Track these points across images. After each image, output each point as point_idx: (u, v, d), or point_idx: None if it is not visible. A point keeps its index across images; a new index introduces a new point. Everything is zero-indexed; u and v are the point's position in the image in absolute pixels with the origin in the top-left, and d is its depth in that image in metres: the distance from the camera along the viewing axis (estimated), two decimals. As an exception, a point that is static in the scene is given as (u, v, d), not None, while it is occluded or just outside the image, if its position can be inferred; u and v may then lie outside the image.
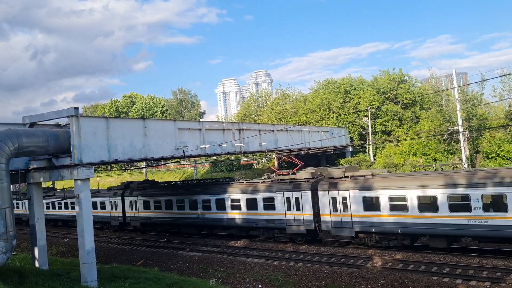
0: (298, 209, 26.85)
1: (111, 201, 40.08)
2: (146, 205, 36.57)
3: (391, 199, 22.87)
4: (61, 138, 20.04)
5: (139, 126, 23.27)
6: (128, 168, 78.03)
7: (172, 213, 34.49)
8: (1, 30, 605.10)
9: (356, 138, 55.24)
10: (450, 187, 20.96)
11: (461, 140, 40.13)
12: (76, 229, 20.47)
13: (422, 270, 19.79)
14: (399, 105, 54.90)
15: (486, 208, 19.99)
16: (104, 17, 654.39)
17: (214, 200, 31.47)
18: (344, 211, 24.60)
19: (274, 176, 29.40)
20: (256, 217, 29.05)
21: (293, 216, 27.07)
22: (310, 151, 42.37)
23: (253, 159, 62.12)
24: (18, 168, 20.79)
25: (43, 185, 27.03)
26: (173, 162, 63.18)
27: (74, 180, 19.89)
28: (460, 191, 20.71)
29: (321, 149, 45.01)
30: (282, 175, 29.06)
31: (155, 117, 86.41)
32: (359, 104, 55.21)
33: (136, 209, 37.57)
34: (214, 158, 63.81)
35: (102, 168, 75.55)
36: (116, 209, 39.66)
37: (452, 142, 44.44)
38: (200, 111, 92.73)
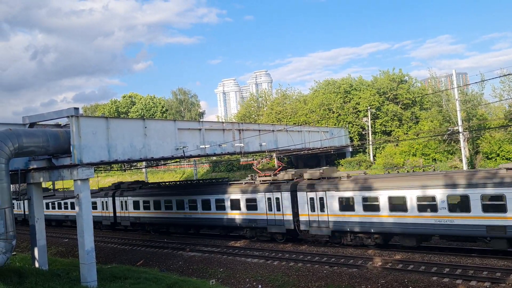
0: (278, 209, 27.32)
1: (102, 202, 40.52)
2: (136, 205, 36.94)
3: (365, 199, 23.58)
4: (61, 138, 20.06)
5: (139, 126, 23.31)
6: (128, 168, 78.07)
7: (161, 213, 34.92)
8: (1, 30, 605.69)
9: (356, 138, 55.28)
10: (418, 188, 21.82)
11: (461, 140, 40.17)
12: (76, 229, 20.46)
13: (422, 270, 19.79)
14: (399, 105, 54.91)
15: (452, 208, 20.86)
16: (104, 17, 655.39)
17: (200, 200, 31.85)
18: (321, 211, 25.29)
19: (257, 177, 29.79)
20: (240, 217, 29.50)
21: (274, 216, 27.56)
22: (310, 151, 42.42)
23: (253, 159, 62.08)
24: (18, 168, 20.79)
25: (43, 185, 27.02)
26: (173, 162, 63.17)
27: (74, 180, 19.89)
28: (429, 192, 21.63)
29: (321, 149, 45.06)
30: (265, 176, 29.48)
31: (155, 117, 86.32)
32: (359, 104, 55.25)
33: (126, 209, 37.96)
34: (214, 158, 63.81)
35: (102, 168, 75.47)
36: (107, 209, 40.09)
37: (452, 142, 44.48)
38: (200, 111, 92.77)
